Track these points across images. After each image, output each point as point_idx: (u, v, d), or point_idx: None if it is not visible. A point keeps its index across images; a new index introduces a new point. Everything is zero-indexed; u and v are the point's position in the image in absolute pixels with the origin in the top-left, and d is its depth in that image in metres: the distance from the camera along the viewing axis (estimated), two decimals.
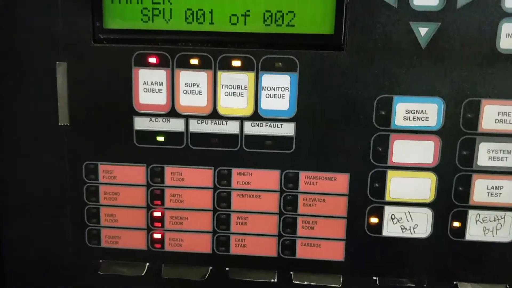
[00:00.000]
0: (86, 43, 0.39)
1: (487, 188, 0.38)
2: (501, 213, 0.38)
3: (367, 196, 0.39)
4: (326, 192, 0.39)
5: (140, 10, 0.38)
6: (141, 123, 0.40)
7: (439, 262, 0.39)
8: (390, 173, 0.39)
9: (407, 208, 0.39)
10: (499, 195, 0.38)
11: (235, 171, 0.40)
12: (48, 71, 0.39)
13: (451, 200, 0.38)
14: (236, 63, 0.38)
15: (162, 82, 0.39)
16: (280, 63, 0.38)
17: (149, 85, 0.39)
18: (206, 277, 0.42)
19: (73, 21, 0.39)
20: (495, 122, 0.37)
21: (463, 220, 0.38)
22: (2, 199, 0.42)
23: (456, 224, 0.39)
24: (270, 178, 0.40)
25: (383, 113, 0.38)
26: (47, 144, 0.41)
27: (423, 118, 0.37)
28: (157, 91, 0.39)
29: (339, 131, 0.38)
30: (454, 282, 0.40)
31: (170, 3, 0.38)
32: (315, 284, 0.40)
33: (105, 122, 0.40)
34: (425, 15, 0.36)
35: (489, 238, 0.39)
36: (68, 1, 0.38)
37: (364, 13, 0.36)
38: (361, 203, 0.39)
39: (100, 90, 0.40)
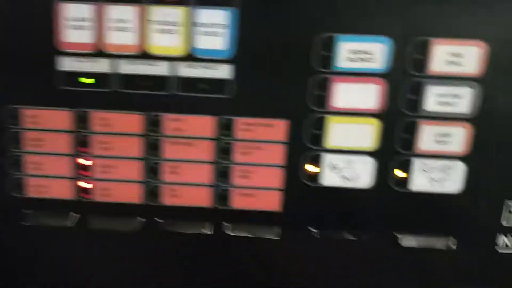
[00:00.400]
0: None
1: (434, 136, 0.35)
2: (449, 162, 0.36)
3: (306, 144, 0.36)
4: (262, 139, 0.36)
5: None
6: (64, 63, 0.36)
7: (382, 214, 0.37)
8: (331, 119, 0.36)
9: (348, 157, 0.36)
10: (447, 143, 0.35)
11: (166, 116, 0.37)
12: None
13: (395, 148, 0.36)
14: None
15: (85, 18, 0.36)
16: None
17: (73, 21, 0.36)
18: (137, 229, 0.39)
19: None
20: (445, 64, 0.34)
21: (408, 170, 0.36)
22: None
23: (401, 174, 0.36)
24: (204, 124, 0.37)
25: (324, 53, 0.35)
26: None
27: (368, 59, 0.35)
28: (81, 27, 0.36)
29: (278, 75, 0.35)
30: (397, 235, 0.37)
31: None
32: (252, 236, 0.38)
33: (26, 63, 0.36)
34: None
35: (435, 188, 0.36)
36: None
37: None
38: (299, 151, 0.36)
39: (18, 27, 0.36)
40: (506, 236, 0.37)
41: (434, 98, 0.34)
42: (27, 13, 0.35)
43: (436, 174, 0.36)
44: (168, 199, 0.38)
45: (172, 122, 0.37)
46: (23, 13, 0.35)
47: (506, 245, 0.37)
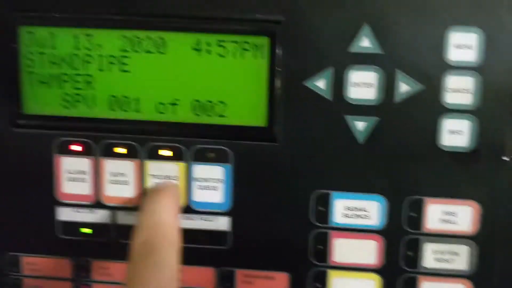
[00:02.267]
0: (4, 129, 0.35)
1: None
2: None
3: None
4: None
5: (62, 95, 0.35)
6: (64, 214, 0.36)
7: None
8: (331, 273, 0.35)
9: None
10: None
11: None
12: None
13: None
14: (165, 152, 0.35)
15: (86, 171, 0.36)
16: (212, 154, 0.35)
17: (73, 173, 0.36)
18: None
19: None
20: (440, 222, 0.34)
21: None
22: None
23: None
24: (203, 276, 0.36)
25: (320, 209, 0.34)
26: None
27: (363, 216, 0.34)
28: (81, 180, 0.36)
29: (276, 227, 0.35)
30: None
31: (94, 89, 0.35)
32: None
33: (27, 213, 0.36)
34: (362, 109, 0.33)
35: None
36: None
37: (299, 106, 0.33)
38: None
39: (21, 178, 0.36)
40: None
41: (431, 255, 0.34)
42: (28, 164, 0.36)
43: None
44: None
45: None
46: (24, 164, 0.36)
47: None
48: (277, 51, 0.32)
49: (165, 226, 0.31)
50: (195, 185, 0.35)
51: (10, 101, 0.34)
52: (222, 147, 0.34)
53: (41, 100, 0.35)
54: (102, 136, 0.35)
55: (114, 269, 0.36)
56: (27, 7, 0.33)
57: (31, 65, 0.34)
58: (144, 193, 0.35)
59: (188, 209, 0.35)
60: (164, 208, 0.32)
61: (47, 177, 0.36)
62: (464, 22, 0.32)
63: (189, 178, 0.35)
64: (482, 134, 0.32)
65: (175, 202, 0.34)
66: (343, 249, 0.35)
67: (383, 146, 0.33)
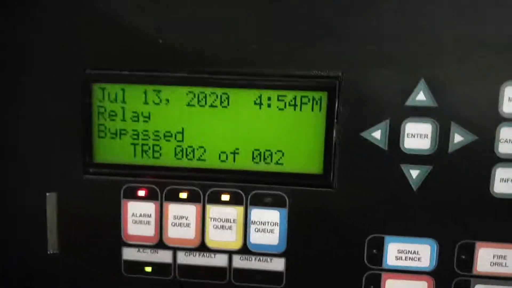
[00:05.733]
0: (76, 175, 0.33)
1: None
2: None
3: None
4: None
5: (129, 145, 0.33)
6: (129, 254, 0.34)
7: None
8: None
9: None
10: None
11: None
12: (38, 201, 0.34)
13: None
14: (225, 197, 0.33)
15: (150, 214, 0.33)
16: (269, 199, 0.32)
17: (138, 217, 0.34)
18: None
19: (65, 154, 0.33)
20: (490, 265, 0.31)
21: None
22: None
23: None
24: None
25: (374, 252, 0.32)
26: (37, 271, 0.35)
27: (415, 259, 0.31)
28: (145, 222, 0.34)
29: (331, 269, 0.32)
30: None
31: (159, 139, 0.32)
32: None
33: (95, 252, 0.34)
34: (416, 158, 0.30)
35: None
36: (59, 136, 0.33)
37: (354, 154, 0.31)
38: None
39: (89, 221, 0.34)
40: None
41: None
42: (98, 209, 0.34)
43: None
44: None
45: None
46: (95, 209, 0.34)
47: None
48: (335, 104, 0.29)
49: None
50: (252, 228, 0.33)
51: (83, 151, 0.32)
52: (279, 193, 0.32)
53: (111, 150, 0.33)
54: (167, 183, 0.32)
55: None
56: (100, 65, 0.31)
57: (102, 119, 0.32)
58: None
59: (246, 250, 0.33)
60: None
61: (115, 220, 0.34)
62: None
63: (247, 221, 0.33)
64: None
65: None
66: None
67: (436, 193, 0.30)
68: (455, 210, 0.31)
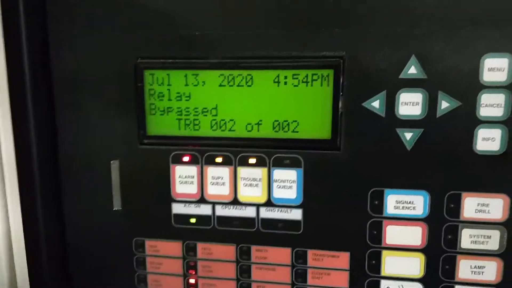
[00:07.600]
0: (134, 146, 0.39)
1: (471, 267, 0.35)
2: None
3: (365, 272, 0.37)
4: (330, 267, 0.38)
5: (175, 120, 0.38)
6: (177, 208, 0.39)
7: None
8: (385, 253, 0.37)
9: (401, 282, 0.37)
10: (482, 273, 0.35)
11: (253, 248, 0.39)
12: (104, 168, 0.39)
13: (439, 276, 0.36)
14: (252, 161, 0.38)
15: (193, 176, 0.38)
16: (288, 161, 0.37)
17: (183, 178, 0.39)
18: None
19: (124, 129, 0.39)
20: (475, 212, 0.34)
21: None
22: None
23: None
24: (283, 254, 0.39)
25: (376, 202, 0.35)
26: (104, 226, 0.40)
27: (411, 208, 0.35)
28: (189, 183, 0.39)
29: (340, 217, 0.37)
30: None
31: (198, 115, 0.37)
32: None
33: (150, 208, 0.40)
34: (409, 123, 0.34)
35: None
36: (119, 114, 0.38)
37: (357, 121, 0.35)
38: (360, 277, 0.38)
39: (145, 182, 0.40)
40: None
41: (468, 238, 0.34)
42: (152, 173, 0.39)
43: None
44: None
45: (258, 252, 0.39)
46: (149, 173, 0.39)
47: None
48: (340, 80, 0.33)
49: None
50: (275, 185, 0.37)
51: (138, 126, 0.37)
52: (296, 155, 0.36)
53: (160, 125, 0.38)
54: (205, 150, 0.37)
55: (214, 249, 0.39)
56: (150, 55, 0.36)
57: (152, 99, 0.36)
58: None
59: (270, 203, 0.38)
60: None
61: (165, 181, 0.39)
62: (497, 49, 0.32)
63: (270, 180, 0.37)
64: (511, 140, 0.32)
65: None
66: (394, 234, 0.35)
67: (427, 152, 0.34)
68: (443, 165, 0.35)
